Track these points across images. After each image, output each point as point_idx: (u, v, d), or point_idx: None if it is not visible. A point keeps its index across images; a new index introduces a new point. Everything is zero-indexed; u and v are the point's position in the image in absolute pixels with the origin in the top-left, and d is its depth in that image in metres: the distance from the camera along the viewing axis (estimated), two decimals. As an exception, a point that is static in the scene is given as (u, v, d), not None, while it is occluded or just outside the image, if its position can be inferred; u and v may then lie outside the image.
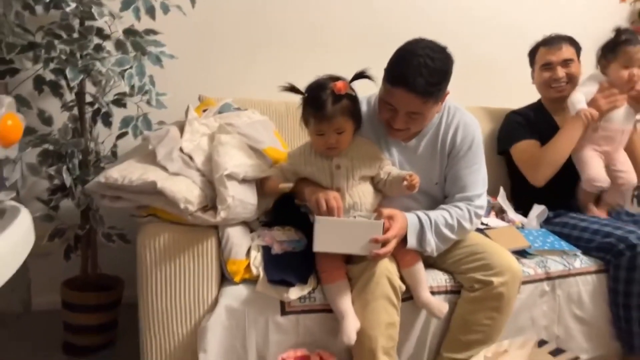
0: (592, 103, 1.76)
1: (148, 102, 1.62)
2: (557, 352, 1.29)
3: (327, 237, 1.25)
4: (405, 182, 1.30)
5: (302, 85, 1.35)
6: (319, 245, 1.26)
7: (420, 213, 1.38)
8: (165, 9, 1.59)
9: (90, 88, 1.66)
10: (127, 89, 1.53)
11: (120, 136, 1.69)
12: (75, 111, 1.64)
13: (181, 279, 1.29)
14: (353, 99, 1.33)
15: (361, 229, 1.26)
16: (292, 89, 1.33)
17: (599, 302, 1.58)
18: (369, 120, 1.45)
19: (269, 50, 2.14)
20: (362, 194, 1.37)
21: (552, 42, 1.87)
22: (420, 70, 1.25)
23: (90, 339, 1.71)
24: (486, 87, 2.30)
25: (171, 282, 1.28)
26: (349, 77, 1.34)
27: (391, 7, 2.23)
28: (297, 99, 1.74)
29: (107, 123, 1.66)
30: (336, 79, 1.31)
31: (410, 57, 1.28)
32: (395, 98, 1.31)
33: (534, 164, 1.80)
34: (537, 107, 1.97)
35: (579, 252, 1.62)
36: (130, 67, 1.51)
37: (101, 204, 1.33)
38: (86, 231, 1.68)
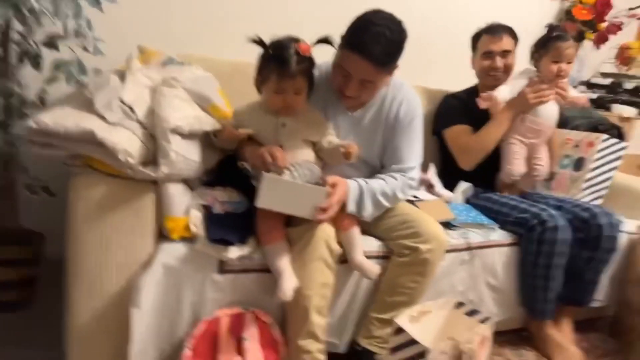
0: (520, 96, 1.87)
1: (84, 48, 1.51)
2: (472, 312, 1.42)
3: (272, 195, 1.26)
4: (342, 149, 1.35)
5: (249, 44, 1.34)
6: (262, 202, 1.27)
7: (360, 180, 1.44)
8: (109, -52, 1.48)
9: (17, 26, 1.51)
10: (60, 30, 1.41)
11: (49, 81, 1.57)
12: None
13: (115, 234, 1.25)
14: (312, 63, 1.36)
15: (306, 193, 1.28)
16: (260, 42, 1.33)
17: (509, 272, 1.74)
18: (319, 88, 1.47)
19: (215, 5, 2.06)
20: (304, 157, 1.40)
21: (494, 31, 1.95)
22: (378, 39, 1.29)
23: (7, 295, 1.61)
24: (425, 67, 2.39)
25: (104, 237, 1.24)
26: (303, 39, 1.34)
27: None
28: (243, 58, 1.71)
29: (36, 65, 1.53)
30: (297, 40, 1.32)
31: (369, 26, 1.32)
32: (351, 64, 1.35)
33: (465, 150, 1.93)
34: (472, 91, 2.08)
35: (496, 226, 1.77)
36: (66, 6, 1.40)
37: (30, 151, 1.24)
38: (7, 181, 1.57)
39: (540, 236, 1.66)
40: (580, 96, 1.96)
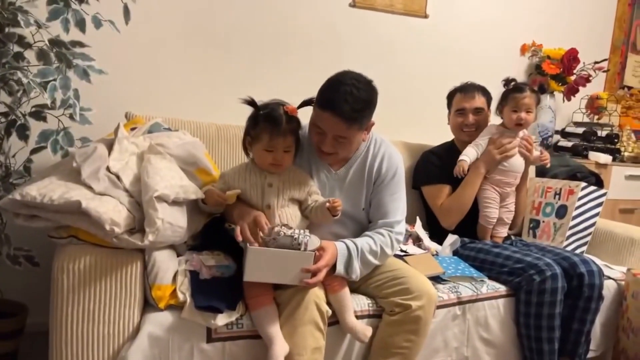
0: (487, 155, 1.98)
1: (71, 117, 1.54)
2: (467, 372, 1.39)
3: (258, 267, 1.26)
4: (327, 204, 1.38)
5: (233, 108, 1.41)
6: (249, 276, 1.27)
7: (348, 241, 1.45)
8: (98, 24, 1.53)
9: (5, 98, 1.54)
10: (48, 102, 1.44)
11: (35, 150, 1.58)
12: (-14, 121, 1.52)
13: (101, 306, 1.22)
14: (299, 123, 1.44)
15: (292, 260, 1.28)
16: (252, 102, 1.40)
17: (503, 325, 1.72)
18: (303, 148, 1.52)
19: (201, 71, 2.14)
20: (291, 216, 1.42)
21: (467, 89, 2.07)
22: (346, 97, 1.37)
23: (-15, 372, 1.54)
24: (405, 123, 2.48)
25: (89, 309, 1.21)
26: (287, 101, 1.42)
27: (330, 54, 2.35)
28: (227, 121, 1.76)
29: (23, 136, 1.55)
30: (283, 103, 1.40)
31: (338, 85, 1.40)
32: (324, 122, 1.41)
33: (444, 212, 2.02)
34: (449, 147, 2.16)
35: (485, 278, 1.77)
36: (54, 79, 1.43)
37: (15, 222, 1.23)
38: (-12, 252, 1.54)
39: (539, 286, 1.66)
40: (542, 156, 2.08)
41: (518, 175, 2.05)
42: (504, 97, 2.01)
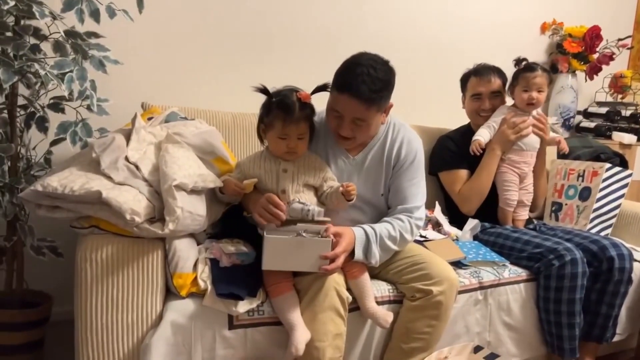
0: (500, 135, 1.94)
1: (88, 108, 1.54)
2: (491, 356, 1.38)
3: (276, 256, 1.26)
4: (341, 189, 1.37)
5: (249, 96, 1.39)
6: (268, 264, 1.27)
7: (366, 227, 1.43)
8: (112, 13, 1.53)
9: (23, 90, 1.56)
10: (65, 94, 1.45)
11: (54, 142, 1.59)
12: (6, 114, 1.53)
13: (124, 294, 1.23)
14: (312, 109, 1.42)
15: (310, 247, 1.28)
16: (264, 90, 1.39)
17: (525, 310, 1.70)
18: (319, 135, 1.50)
19: (216, 59, 2.12)
20: (306, 200, 1.41)
21: (482, 72, 2.00)
22: (363, 77, 1.35)
23: (16, 359, 1.57)
24: (423, 107, 2.44)
25: (113, 298, 1.23)
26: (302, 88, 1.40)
27: (340, 34, 2.31)
28: (243, 109, 1.75)
29: (43, 128, 1.56)
30: (297, 90, 1.39)
31: (354, 67, 1.37)
32: (342, 104, 1.39)
33: (463, 198, 1.98)
34: (466, 131, 2.11)
35: (507, 263, 1.75)
36: (71, 71, 1.44)
37: (37, 213, 1.25)
38: (13, 243, 1.56)
39: (559, 271, 1.63)
40: (557, 138, 2.04)
41: (534, 154, 2.00)
42: (515, 77, 1.96)
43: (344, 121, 1.42)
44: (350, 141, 1.48)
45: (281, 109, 1.36)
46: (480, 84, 1.99)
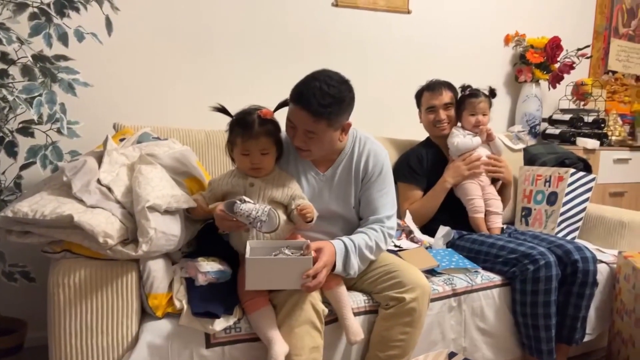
0: (455, 169, 2.06)
1: (58, 131, 1.54)
2: (465, 362, 1.41)
3: (259, 276, 1.27)
4: (295, 211, 1.41)
5: (221, 114, 1.44)
6: (251, 285, 1.28)
7: (345, 239, 1.47)
8: (80, 37, 1.54)
9: (-9, 115, 1.55)
10: (35, 117, 1.44)
11: (24, 166, 1.58)
12: (-27, 140, 1.52)
13: (98, 318, 1.23)
14: (276, 126, 1.45)
15: (292, 265, 1.29)
16: (222, 109, 1.43)
17: (499, 314, 1.75)
18: (290, 151, 1.53)
19: (186, 78, 2.14)
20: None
21: (434, 87, 2.13)
22: (314, 91, 1.39)
23: (-13, 390, 1.54)
24: (393, 119, 2.50)
25: (87, 321, 1.22)
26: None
27: (315, 55, 2.36)
28: (217, 127, 1.77)
29: (12, 153, 1.55)
30: (260, 108, 1.43)
31: (310, 81, 1.42)
32: (294, 115, 1.44)
33: (412, 213, 2.06)
34: (427, 143, 2.22)
35: (479, 269, 1.80)
36: (40, 95, 1.44)
37: (8, 239, 1.24)
38: (-17, 270, 1.54)
39: (534, 274, 1.68)
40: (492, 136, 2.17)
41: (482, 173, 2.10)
42: (461, 102, 2.11)
43: (297, 132, 1.46)
44: (307, 153, 1.50)
45: (240, 125, 1.41)
46: (433, 97, 2.11)
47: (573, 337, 1.81)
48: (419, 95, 2.19)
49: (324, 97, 1.38)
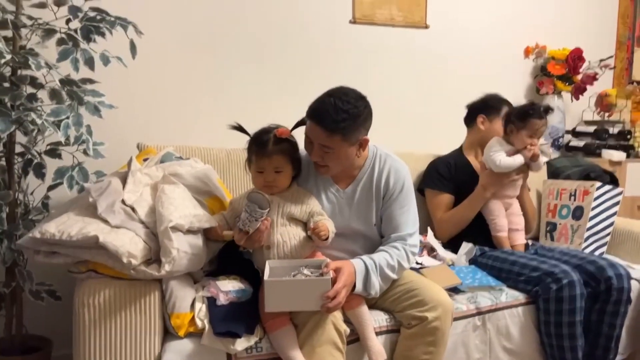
0: (497, 181, 1.93)
1: (85, 152, 1.58)
2: (491, 383, 1.38)
3: (278, 298, 1.28)
4: (309, 231, 1.41)
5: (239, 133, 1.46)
6: (271, 307, 1.28)
7: (365, 258, 1.45)
8: (106, 61, 1.58)
9: (20, 137, 1.59)
10: (62, 140, 1.48)
11: (52, 187, 1.62)
12: (4, 162, 1.56)
13: (122, 337, 1.25)
14: (293, 145, 1.47)
15: (311, 286, 1.29)
16: (239, 128, 1.46)
17: (525, 334, 1.70)
18: (310, 169, 1.54)
19: (208, 98, 2.18)
20: (291, 235, 1.43)
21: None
22: (328, 107, 1.40)
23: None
24: (414, 133, 2.49)
25: (111, 341, 1.24)
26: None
27: (332, 72, 2.38)
28: (238, 145, 1.79)
29: (40, 175, 1.59)
30: (278, 127, 1.45)
31: (326, 97, 1.44)
32: (310, 130, 1.46)
33: (441, 225, 2.02)
34: (457, 154, 2.15)
35: (504, 287, 1.76)
36: (67, 118, 1.48)
37: (35, 259, 1.27)
38: (12, 288, 1.57)
39: (557, 294, 1.64)
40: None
41: (518, 186, 2.02)
42: (523, 118, 1.91)
43: (314, 147, 1.47)
44: (325, 169, 1.50)
45: (255, 144, 1.44)
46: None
47: (607, 357, 1.75)
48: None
49: (337, 113, 1.40)
